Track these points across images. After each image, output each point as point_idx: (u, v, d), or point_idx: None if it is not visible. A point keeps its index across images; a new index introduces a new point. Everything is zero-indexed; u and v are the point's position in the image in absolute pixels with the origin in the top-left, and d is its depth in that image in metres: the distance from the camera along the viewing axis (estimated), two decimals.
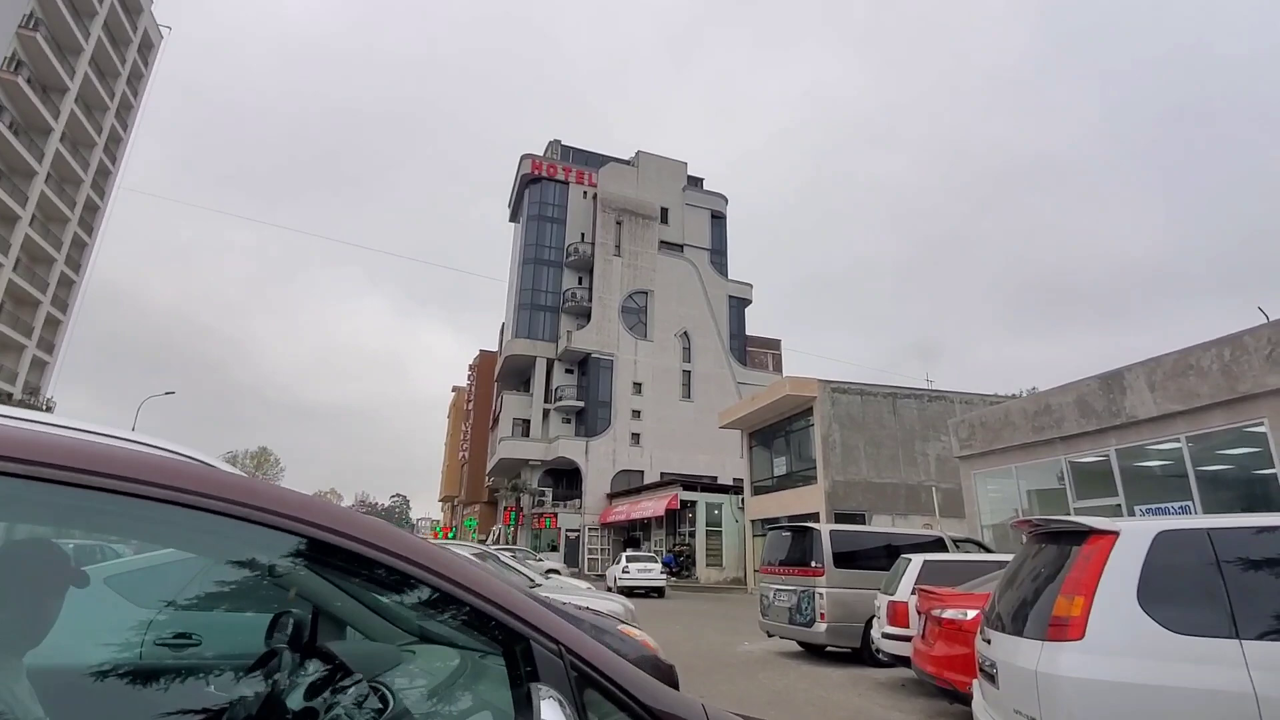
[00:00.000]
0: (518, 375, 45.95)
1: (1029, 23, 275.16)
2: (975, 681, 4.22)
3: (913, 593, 7.31)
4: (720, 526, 31.63)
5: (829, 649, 9.67)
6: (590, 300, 44.99)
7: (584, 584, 14.15)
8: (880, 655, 7.82)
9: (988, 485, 15.89)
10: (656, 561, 23.90)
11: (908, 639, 6.98)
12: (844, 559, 9.60)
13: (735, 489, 32.55)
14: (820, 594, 9.33)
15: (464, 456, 63.71)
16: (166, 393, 50.19)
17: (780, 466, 28.41)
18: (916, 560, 7.71)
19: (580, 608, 5.54)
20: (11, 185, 41.38)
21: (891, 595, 7.60)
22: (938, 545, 10.12)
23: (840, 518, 24.48)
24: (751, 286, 52.21)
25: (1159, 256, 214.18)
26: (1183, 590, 3.15)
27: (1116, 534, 3.32)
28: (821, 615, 9.23)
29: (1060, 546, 3.65)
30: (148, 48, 57.46)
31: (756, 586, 27.96)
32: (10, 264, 41.20)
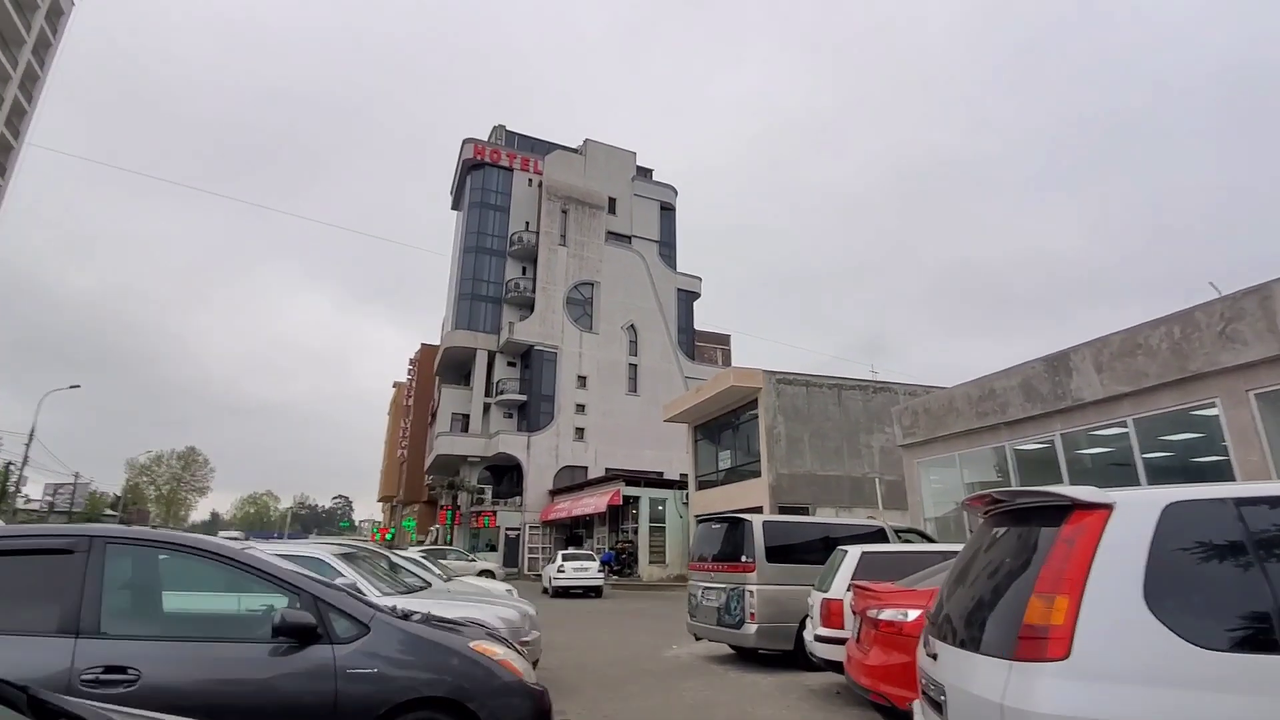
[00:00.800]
0: (457, 369, 44.12)
1: (973, 30, 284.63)
2: (916, 703, 3.26)
3: (848, 589, 6.42)
4: (664, 523, 30.75)
5: (761, 652, 8.75)
6: (534, 291, 43.51)
7: (503, 587, 12.97)
8: (814, 659, 6.90)
9: (930, 475, 15.37)
10: (594, 560, 22.79)
11: (842, 642, 6.08)
12: (778, 553, 8.69)
13: (680, 484, 31.72)
14: (750, 592, 8.39)
15: (403, 454, 61.27)
16: (71, 386, 46.62)
17: (725, 460, 27.70)
18: (853, 552, 6.82)
19: (446, 623, 4.37)
20: None
21: (825, 592, 6.70)
22: (879, 536, 9.33)
23: (785, 510, 23.82)
24: (700, 280, 51.58)
25: (1087, 257, 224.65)
26: (1207, 584, 2.22)
27: (1110, 507, 2.38)
28: (751, 615, 8.29)
29: (1030, 528, 2.69)
30: (57, 14, 53.05)
31: None
32: None
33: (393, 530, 70.71)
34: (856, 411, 26.29)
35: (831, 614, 6.44)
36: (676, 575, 29.90)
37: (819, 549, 8.94)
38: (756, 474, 24.53)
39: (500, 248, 45.45)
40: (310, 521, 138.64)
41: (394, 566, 8.89)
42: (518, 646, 4.74)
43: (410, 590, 6.94)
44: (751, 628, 8.26)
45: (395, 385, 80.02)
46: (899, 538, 9.58)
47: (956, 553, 3.73)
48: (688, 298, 50.12)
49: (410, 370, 65.21)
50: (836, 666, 6.28)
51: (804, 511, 24.05)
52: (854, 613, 5.62)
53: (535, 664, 6.87)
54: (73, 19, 56.71)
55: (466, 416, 42.31)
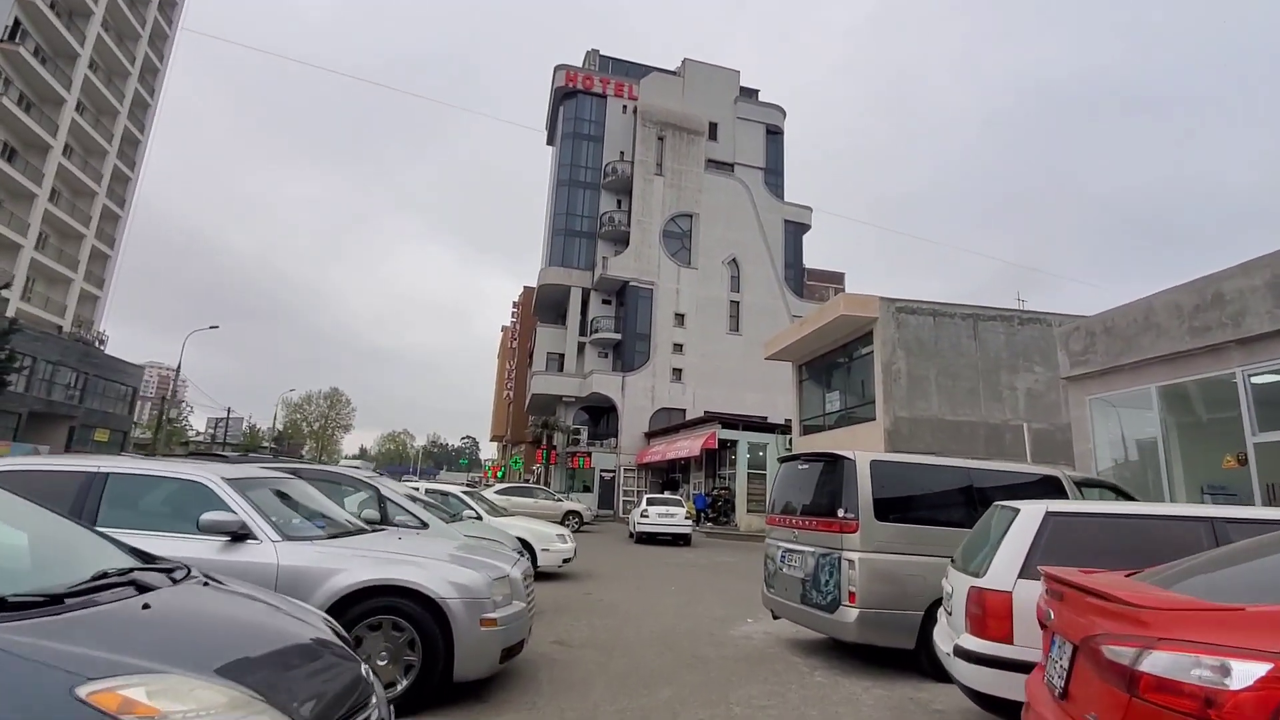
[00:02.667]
0: (553, 307, 42.96)
1: None
2: None
3: (1022, 574, 3.65)
4: (765, 469, 28.10)
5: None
6: (629, 224, 41.07)
7: (554, 531, 11.13)
8: (957, 682, 4.22)
9: (1109, 417, 11.69)
10: (681, 505, 20.72)
11: (1016, 667, 3.39)
12: (893, 507, 5.94)
13: (783, 429, 28.82)
14: (850, 561, 5.74)
15: (508, 395, 62.12)
16: (211, 327, 50.00)
17: (834, 402, 24.44)
18: (1031, 512, 3.98)
19: None
20: (41, 114, 40.48)
21: (977, 577, 3.95)
22: (1048, 488, 6.29)
23: None
24: (810, 210, 46.92)
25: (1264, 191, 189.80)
26: None
27: None
28: (850, 595, 5.67)
29: None
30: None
31: None
32: (45, 194, 40.69)
33: (503, 469, 72.92)
34: (997, 347, 22.04)
35: (989, 615, 3.71)
36: None
37: (958, 504, 6.10)
38: (870, 418, 21.21)
39: (594, 180, 43.17)
40: (441, 458, 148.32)
41: (381, 500, 7.07)
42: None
43: (349, 533, 4.92)
44: (850, 613, 5.64)
45: (502, 329, 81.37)
46: (1080, 493, 6.48)
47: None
48: (796, 230, 45.78)
49: (514, 313, 65.55)
50: (996, 706, 3.60)
51: None
52: (1042, 624, 2.89)
53: (515, 649, 4.74)
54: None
55: (562, 356, 41.23)
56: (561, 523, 25.02)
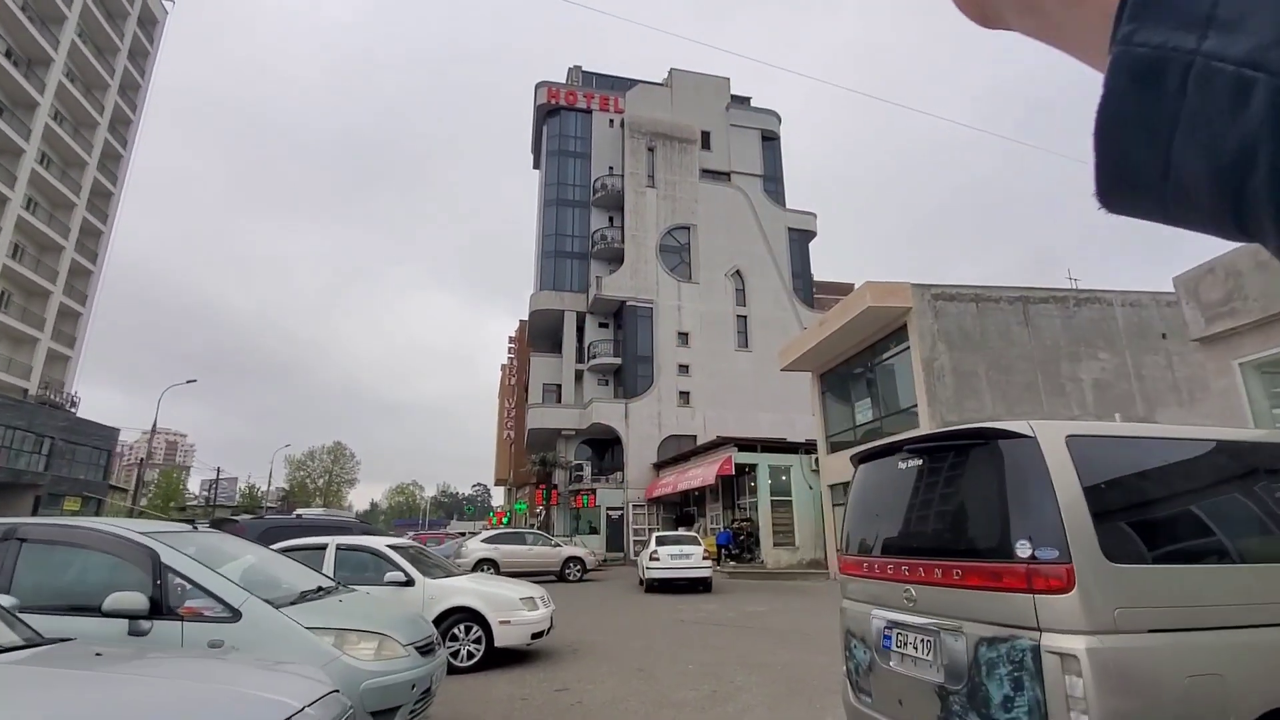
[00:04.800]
0: (547, 335, 40.08)
1: None
2: None
3: None
4: (790, 495, 24.74)
5: None
6: (622, 240, 38.41)
7: (516, 594, 7.95)
8: None
9: (1273, 384, 8.54)
10: (697, 544, 17.36)
11: None
12: (1137, 530, 2.78)
13: (808, 448, 25.54)
14: (1062, 654, 2.57)
15: (509, 435, 58.95)
16: (189, 381, 47.46)
17: (864, 412, 21.23)
18: None
19: None
20: None
21: None
22: None
23: None
24: (815, 217, 44.29)
25: None
26: None
27: None
28: None
29: None
30: (150, 22, 54.53)
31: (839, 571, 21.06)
32: (3, 249, 38.47)
33: (508, 514, 69.28)
34: (1053, 333, 18.91)
35: None
36: (810, 560, 23.86)
37: (1256, 515, 2.93)
38: (913, 426, 17.98)
39: (583, 198, 40.73)
40: (452, 508, 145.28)
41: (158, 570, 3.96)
42: None
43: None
44: None
45: (501, 368, 78.70)
46: None
47: None
48: (801, 238, 43.07)
49: (510, 348, 62.87)
50: None
51: None
52: None
53: None
54: (167, 28, 58.27)
55: (559, 387, 38.18)
56: (560, 572, 21.67)
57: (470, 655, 7.37)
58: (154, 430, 43.90)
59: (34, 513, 38.04)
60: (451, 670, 7.25)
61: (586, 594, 16.91)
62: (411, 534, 27.43)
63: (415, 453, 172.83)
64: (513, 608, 7.62)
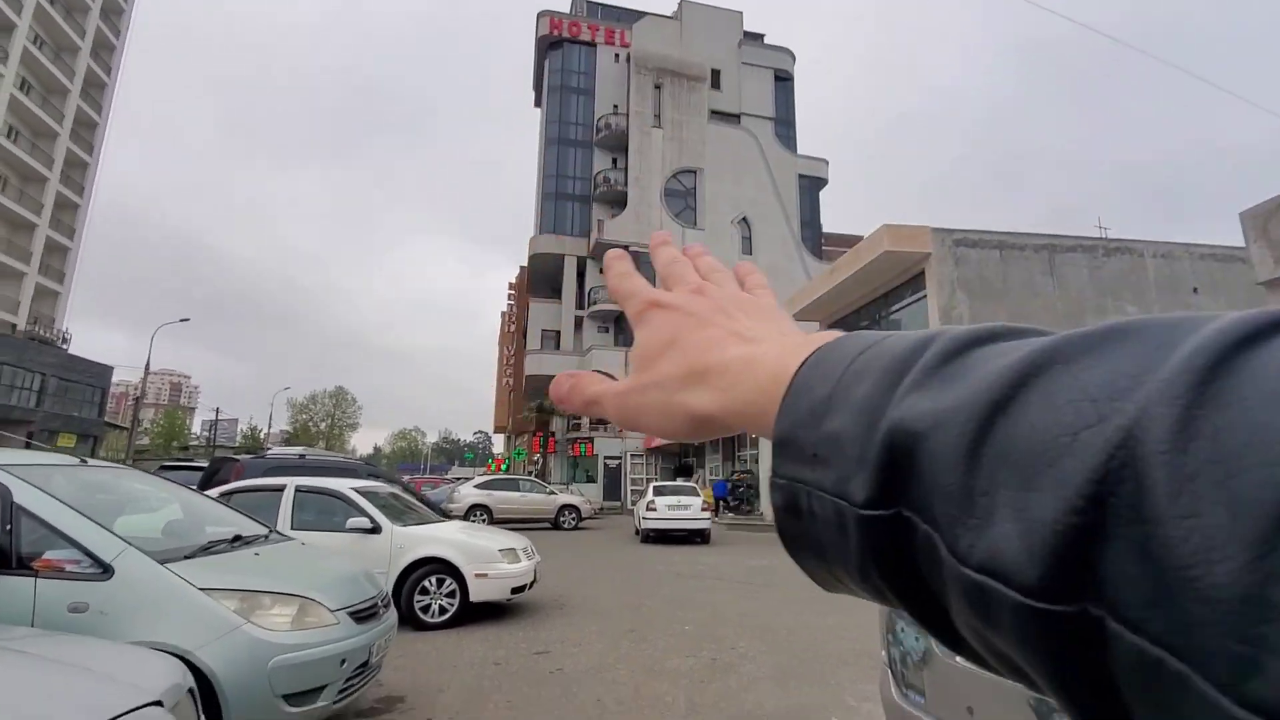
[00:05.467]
0: (547, 281, 38.90)
1: None
2: None
3: None
4: None
5: None
6: (625, 183, 36.85)
7: (495, 544, 7.18)
8: None
9: None
10: (696, 495, 16.71)
11: None
12: None
13: None
14: None
15: (508, 383, 58.37)
16: (181, 320, 46.66)
17: None
18: None
19: None
20: None
21: None
22: None
23: None
24: (826, 163, 42.51)
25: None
26: None
27: None
28: None
29: None
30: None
31: None
32: None
33: (507, 461, 69.41)
34: (1079, 284, 17.83)
35: None
36: None
37: None
38: None
39: (586, 137, 38.93)
40: (454, 454, 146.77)
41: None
42: None
43: None
44: None
45: (501, 315, 77.64)
46: None
47: None
48: (812, 185, 41.40)
49: (510, 295, 61.76)
50: None
51: None
52: None
53: None
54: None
55: (558, 333, 37.25)
56: (555, 520, 21.17)
57: (442, 611, 6.64)
58: (147, 369, 43.15)
59: (27, 448, 37.63)
60: (421, 627, 6.54)
61: (580, 543, 16.36)
62: (408, 479, 27.06)
63: (417, 400, 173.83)
64: (490, 560, 6.85)
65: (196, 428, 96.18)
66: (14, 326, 40.81)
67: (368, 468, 11.90)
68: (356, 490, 7.18)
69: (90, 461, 3.82)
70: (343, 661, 3.30)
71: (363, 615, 3.62)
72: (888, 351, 0.29)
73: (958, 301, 17.01)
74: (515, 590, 6.96)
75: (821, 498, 0.28)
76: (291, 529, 6.78)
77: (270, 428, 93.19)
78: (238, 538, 3.81)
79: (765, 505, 23.35)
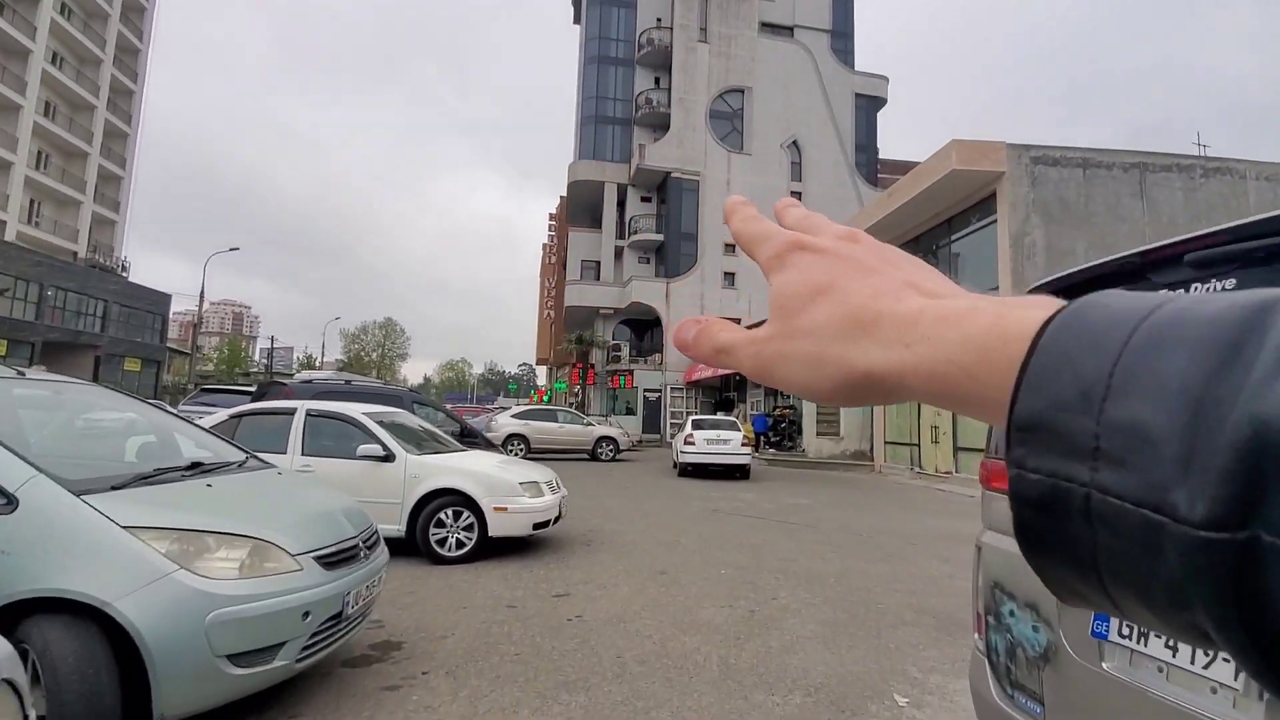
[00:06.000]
0: (587, 209, 37.76)
1: None
2: None
3: None
4: None
5: None
6: (669, 105, 34.86)
7: (515, 473, 6.63)
8: None
9: None
10: (736, 429, 16.07)
11: None
12: None
13: None
14: None
15: (549, 315, 58.14)
16: (231, 249, 47.32)
17: None
18: None
19: None
20: (14, 14, 36.61)
21: None
22: None
23: None
24: (886, 81, 39.39)
25: None
26: None
27: None
28: None
29: None
30: None
31: (886, 463, 19.61)
32: (31, 105, 37.35)
33: (549, 392, 70.14)
34: (1173, 208, 16.00)
35: None
36: (855, 452, 22.58)
37: None
38: None
39: (627, 55, 36.77)
40: (499, 385, 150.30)
41: None
42: None
43: None
44: None
45: (543, 247, 76.88)
46: None
47: None
48: (869, 105, 38.54)
49: (551, 226, 60.72)
50: None
51: None
52: None
53: None
54: None
55: (598, 264, 36.37)
56: (593, 451, 20.95)
57: (460, 545, 6.21)
58: (202, 296, 44.16)
59: (95, 373, 39.50)
60: (438, 560, 6.14)
61: (616, 475, 16.04)
62: (451, 407, 27.25)
63: (465, 331, 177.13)
64: (511, 493, 6.35)
65: (256, 355, 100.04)
66: (75, 255, 42.02)
67: (412, 395, 11.69)
68: (371, 415, 6.72)
69: (29, 374, 3.30)
70: (306, 614, 2.78)
71: (336, 559, 3.08)
72: (1194, 318, 0.23)
73: (1032, 226, 15.47)
74: (538, 526, 6.48)
75: (1116, 506, 0.22)
76: (303, 455, 6.40)
77: (324, 355, 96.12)
78: (195, 465, 3.28)
79: (808, 441, 22.65)
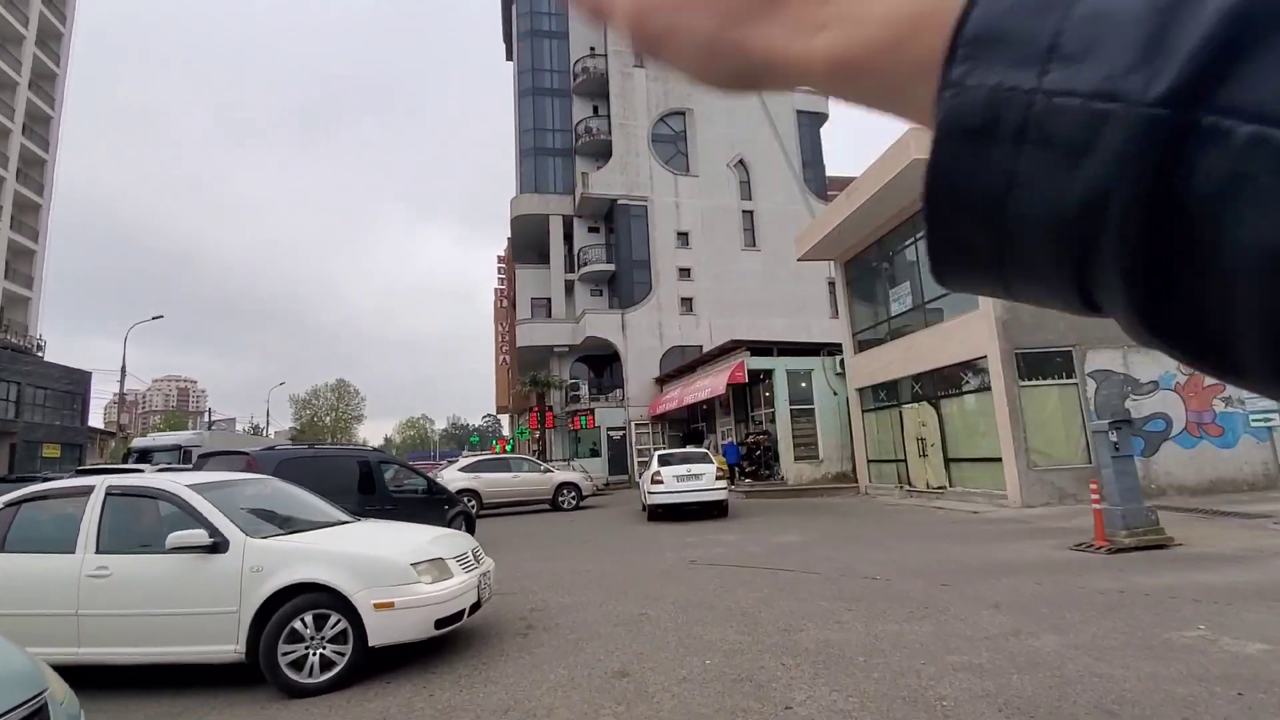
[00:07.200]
0: (533, 245, 36.23)
1: None
2: None
3: None
4: (811, 403, 21.67)
5: None
6: (610, 131, 33.89)
7: (411, 543, 4.70)
8: None
9: None
10: (709, 460, 14.33)
11: None
12: None
13: (830, 349, 22.32)
14: None
15: (505, 360, 55.98)
16: (154, 318, 44.36)
17: (903, 300, 17.80)
18: None
19: None
20: None
21: None
22: None
23: (1028, 359, 13.96)
24: (826, 98, 39.30)
25: None
26: None
27: None
28: None
29: None
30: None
31: (871, 483, 18.07)
32: None
33: (510, 441, 67.40)
34: None
35: None
36: (836, 474, 21.04)
37: None
38: (970, 307, 14.58)
39: (563, 85, 35.87)
40: (463, 439, 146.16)
41: None
42: None
43: None
44: None
45: (495, 292, 75.04)
46: None
47: None
48: (812, 121, 38.29)
49: (499, 268, 59.03)
50: None
51: (1062, 357, 14.01)
52: None
53: None
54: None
55: (548, 301, 34.70)
56: (554, 500, 18.91)
57: (327, 664, 4.29)
58: (124, 370, 40.96)
59: (11, 460, 35.90)
60: (294, 692, 4.18)
61: (577, 526, 14.10)
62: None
63: (423, 387, 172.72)
64: (399, 579, 4.47)
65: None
66: None
67: (379, 455, 11.46)
68: (203, 487, 4.79)
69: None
70: None
71: None
72: None
73: None
74: (443, 623, 4.58)
75: (1060, 104, 0.20)
76: (97, 553, 4.44)
77: (268, 424, 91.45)
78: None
79: (786, 468, 21.02)
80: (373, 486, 10.74)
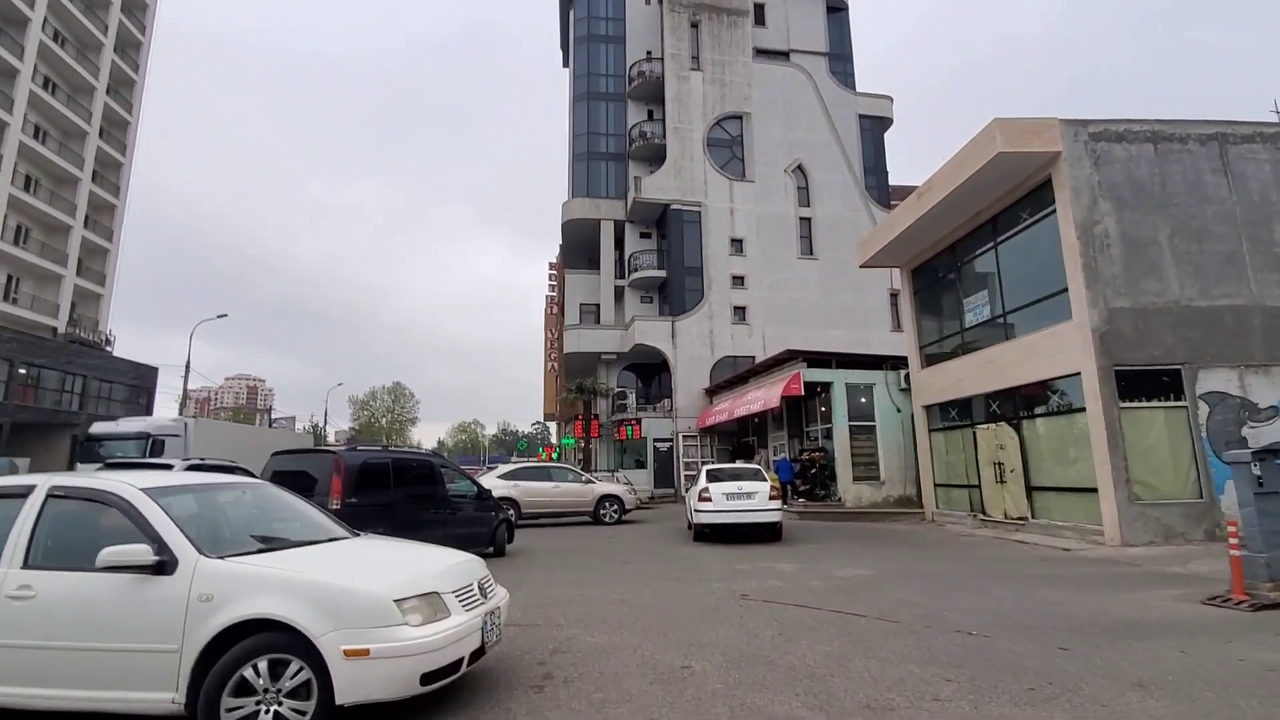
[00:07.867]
0: (583, 250, 35.63)
1: None
2: None
3: None
4: (872, 419, 20.16)
5: None
6: (664, 135, 33.06)
7: (389, 574, 3.67)
8: None
9: None
10: (762, 478, 13.12)
11: None
12: None
13: (893, 363, 20.79)
14: None
15: (554, 367, 55.67)
16: (219, 316, 45.71)
17: (978, 310, 16.22)
18: None
19: None
20: None
21: None
22: None
23: (1129, 377, 12.28)
24: (891, 101, 37.62)
25: None
26: None
27: None
28: None
29: None
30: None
31: (938, 509, 16.50)
32: (7, 175, 36.20)
33: (558, 449, 67.10)
34: (1262, 183, 13.32)
35: None
36: (899, 498, 19.44)
37: None
38: (1061, 317, 12.99)
39: (618, 90, 35.28)
40: (512, 445, 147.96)
41: None
42: None
43: None
44: None
45: (546, 299, 75.16)
46: None
47: None
48: (875, 126, 36.65)
49: (551, 275, 58.89)
50: None
51: (1169, 377, 12.27)
52: None
53: None
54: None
55: (597, 306, 33.96)
56: (595, 513, 17.94)
57: None
58: (188, 367, 42.12)
59: (72, 453, 37.09)
60: None
61: (617, 543, 13.09)
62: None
63: (475, 392, 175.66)
64: (379, 619, 3.53)
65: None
66: (55, 330, 40.31)
67: (440, 459, 11.81)
68: (162, 489, 3.99)
69: None
70: None
71: None
72: None
73: (1101, 214, 12.81)
74: (429, 678, 3.62)
75: None
76: (23, 568, 3.67)
77: (326, 424, 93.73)
78: None
79: (844, 488, 19.53)
80: (435, 491, 10.73)
